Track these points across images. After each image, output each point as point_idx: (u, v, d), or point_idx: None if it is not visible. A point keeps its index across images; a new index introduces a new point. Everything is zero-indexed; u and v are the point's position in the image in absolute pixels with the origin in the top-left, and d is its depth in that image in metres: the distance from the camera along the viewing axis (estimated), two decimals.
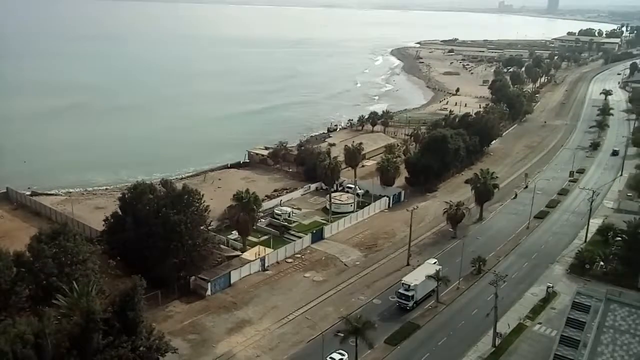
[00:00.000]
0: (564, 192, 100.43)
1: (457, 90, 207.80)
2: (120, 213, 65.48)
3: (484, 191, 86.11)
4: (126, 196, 65.34)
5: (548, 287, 63.49)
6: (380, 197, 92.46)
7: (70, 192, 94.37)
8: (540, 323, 57.85)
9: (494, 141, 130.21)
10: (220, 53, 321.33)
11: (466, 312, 59.08)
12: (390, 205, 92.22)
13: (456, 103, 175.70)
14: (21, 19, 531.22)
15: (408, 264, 70.17)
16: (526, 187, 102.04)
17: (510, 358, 52.16)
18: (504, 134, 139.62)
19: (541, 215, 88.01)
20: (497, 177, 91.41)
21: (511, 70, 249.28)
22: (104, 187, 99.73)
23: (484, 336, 54.89)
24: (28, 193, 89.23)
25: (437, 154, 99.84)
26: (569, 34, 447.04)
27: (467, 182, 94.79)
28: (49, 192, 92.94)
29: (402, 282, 61.26)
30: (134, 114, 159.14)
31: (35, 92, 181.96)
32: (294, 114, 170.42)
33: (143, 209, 61.75)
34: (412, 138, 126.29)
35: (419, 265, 66.33)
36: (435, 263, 65.75)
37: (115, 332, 41.25)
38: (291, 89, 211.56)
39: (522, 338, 55.14)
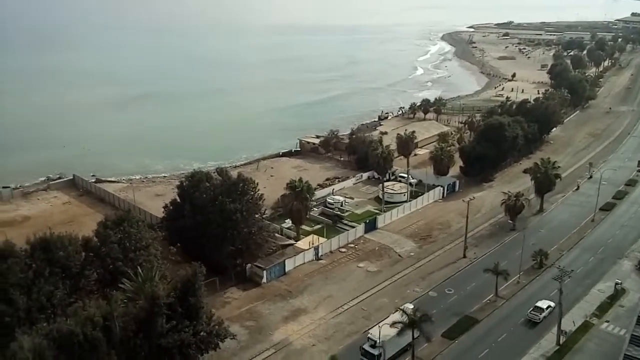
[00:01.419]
0: (632, 183, 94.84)
1: (514, 75, 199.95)
2: (178, 200, 67.08)
3: (545, 181, 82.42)
4: (184, 184, 66.85)
5: (616, 284, 60.22)
6: (434, 186, 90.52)
7: (131, 180, 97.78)
8: (608, 321, 54.97)
9: (554, 129, 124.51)
10: (272, 42, 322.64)
11: (527, 308, 56.86)
12: (445, 195, 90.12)
13: (512, 89, 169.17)
14: (83, 11, 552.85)
15: (465, 256, 68.44)
16: (590, 177, 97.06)
17: (576, 357, 49.91)
18: (565, 121, 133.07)
19: (607, 208, 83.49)
20: (558, 166, 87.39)
21: (572, 53, 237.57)
22: (162, 175, 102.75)
23: (547, 333, 52.77)
24: (92, 180, 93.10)
25: (493, 142, 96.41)
26: (634, 14, 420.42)
27: (525, 171, 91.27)
28: (111, 180, 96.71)
29: (368, 336, 49.11)
30: (190, 104, 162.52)
31: (90, 83, 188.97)
32: (345, 102, 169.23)
33: (200, 197, 62.91)
34: (467, 126, 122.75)
35: (393, 313, 50.85)
36: (412, 309, 48.92)
37: (178, 317, 42.40)
38: (341, 77, 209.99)
39: (589, 336, 52.59)
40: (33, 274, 43.94)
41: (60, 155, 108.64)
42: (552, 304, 55.32)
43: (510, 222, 76.95)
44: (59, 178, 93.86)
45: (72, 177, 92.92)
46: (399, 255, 69.86)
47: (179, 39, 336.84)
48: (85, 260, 48.34)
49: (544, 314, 54.93)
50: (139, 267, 47.11)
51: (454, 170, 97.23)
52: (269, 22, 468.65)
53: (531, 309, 55.74)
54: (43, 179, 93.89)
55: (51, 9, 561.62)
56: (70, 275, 46.47)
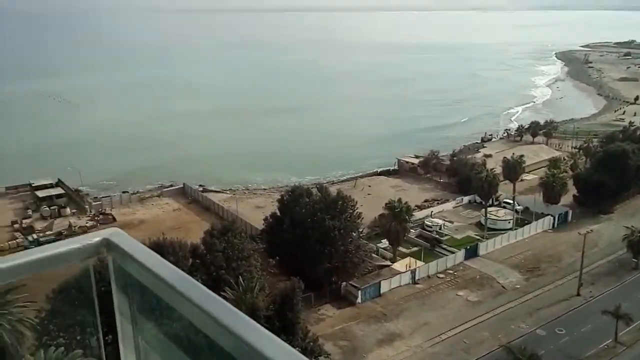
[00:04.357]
0: None
1: (637, 98, 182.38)
2: (278, 214, 68.66)
3: None
4: (284, 198, 68.37)
5: None
6: (543, 215, 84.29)
7: (235, 191, 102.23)
8: None
9: None
10: (381, 61, 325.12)
11: None
12: (555, 225, 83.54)
13: (635, 113, 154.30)
14: (179, 31, 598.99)
15: (578, 294, 62.56)
16: None
17: None
18: None
19: None
20: None
21: None
22: (263, 187, 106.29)
23: None
24: (200, 189, 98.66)
25: (614, 170, 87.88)
26: None
27: None
28: (216, 190, 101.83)
29: None
30: (290, 118, 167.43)
31: (195, 95, 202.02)
32: (445, 122, 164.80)
33: (300, 212, 63.88)
34: (582, 151, 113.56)
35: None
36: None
37: (275, 330, 42.77)
38: (444, 97, 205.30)
39: None
40: None
41: (169, 163, 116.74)
42: None
43: (634, 260, 69.20)
44: (171, 186, 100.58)
45: (182, 186, 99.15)
46: (503, 287, 65.54)
47: (284, 55, 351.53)
48: (192, 266, 50.77)
49: None
50: (240, 277, 48.56)
51: (566, 198, 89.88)
52: (374, 41, 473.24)
53: None
54: (157, 185, 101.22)
55: (141, 32, 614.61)
56: None
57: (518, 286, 65.54)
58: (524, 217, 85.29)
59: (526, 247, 76.73)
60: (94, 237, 3.04)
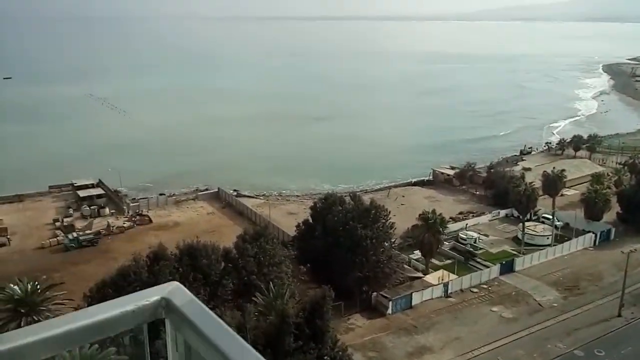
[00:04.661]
0: None
1: None
2: (311, 221, 68.60)
3: None
4: (317, 205, 68.30)
5: None
6: (584, 232, 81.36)
7: (268, 196, 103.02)
8: None
9: None
10: (422, 70, 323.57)
11: None
12: (596, 242, 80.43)
13: None
14: (227, 38, 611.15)
15: (620, 315, 59.87)
16: None
17: None
18: None
19: None
20: None
21: None
22: (296, 194, 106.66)
23: None
24: (234, 194, 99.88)
25: None
26: None
27: None
28: (249, 195, 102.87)
29: None
30: (326, 126, 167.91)
31: (234, 101, 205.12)
32: (484, 134, 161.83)
33: (332, 220, 63.66)
34: (627, 168, 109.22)
35: None
36: None
37: (305, 338, 42.64)
38: (484, 109, 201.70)
39: None
40: (179, 277, 47.59)
41: (205, 167, 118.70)
42: None
43: None
44: (206, 190, 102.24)
45: (217, 190, 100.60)
46: (539, 304, 63.39)
47: (325, 63, 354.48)
48: (223, 270, 51.34)
49: None
50: (270, 283, 48.64)
51: (609, 216, 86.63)
52: (416, 51, 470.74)
53: None
54: (193, 189, 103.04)
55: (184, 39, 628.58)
56: (210, 282, 49.62)
57: (555, 304, 63.27)
58: (564, 234, 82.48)
59: (565, 264, 74.11)
60: (152, 296, 2.74)
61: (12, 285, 38.80)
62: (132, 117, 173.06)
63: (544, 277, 70.01)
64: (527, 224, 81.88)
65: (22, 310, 37.59)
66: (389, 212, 65.41)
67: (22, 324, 36.99)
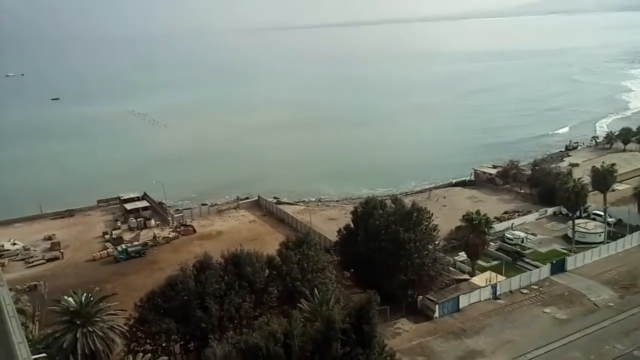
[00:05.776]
0: None
1: None
2: (352, 226, 68.19)
3: None
4: (358, 210, 67.83)
5: None
6: (639, 228, 77.57)
7: (307, 202, 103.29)
8: None
9: None
10: (464, 69, 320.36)
11: None
12: None
13: None
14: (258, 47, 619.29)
15: None
16: None
17: None
18: None
19: None
20: None
21: None
22: (335, 200, 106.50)
23: None
24: (274, 202, 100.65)
25: None
26: None
27: None
28: (289, 202, 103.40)
29: None
30: (364, 130, 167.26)
31: (272, 109, 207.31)
32: (524, 131, 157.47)
33: (374, 224, 63.03)
34: None
35: None
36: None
37: (352, 344, 42.23)
38: (528, 106, 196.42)
39: None
40: (225, 285, 48.25)
41: (245, 176, 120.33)
42: None
43: None
44: (247, 198, 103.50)
45: (257, 198, 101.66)
46: (595, 304, 60.68)
47: (366, 68, 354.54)
48: (268, 277, 51.65)
49: None
50: (315, 289, 48.55)
51: None
52: (457, 50, 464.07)
53: None
54: (233, 198, 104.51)
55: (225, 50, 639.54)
56: (255, 290, 49.99)
57: (611, 304, 60.43)
58: (617, 230, 78.93)
59: (620, 262, 70.80)
60: None
61: (67, 298, 40.17)
62: (173, 130, 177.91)
63: (598, 276, 67.06)
64: (577, 221, 78.75)
65: (78, 322, 38.81)
66: (431, 214, 64.21)
67: (77, 335, 38.28)
